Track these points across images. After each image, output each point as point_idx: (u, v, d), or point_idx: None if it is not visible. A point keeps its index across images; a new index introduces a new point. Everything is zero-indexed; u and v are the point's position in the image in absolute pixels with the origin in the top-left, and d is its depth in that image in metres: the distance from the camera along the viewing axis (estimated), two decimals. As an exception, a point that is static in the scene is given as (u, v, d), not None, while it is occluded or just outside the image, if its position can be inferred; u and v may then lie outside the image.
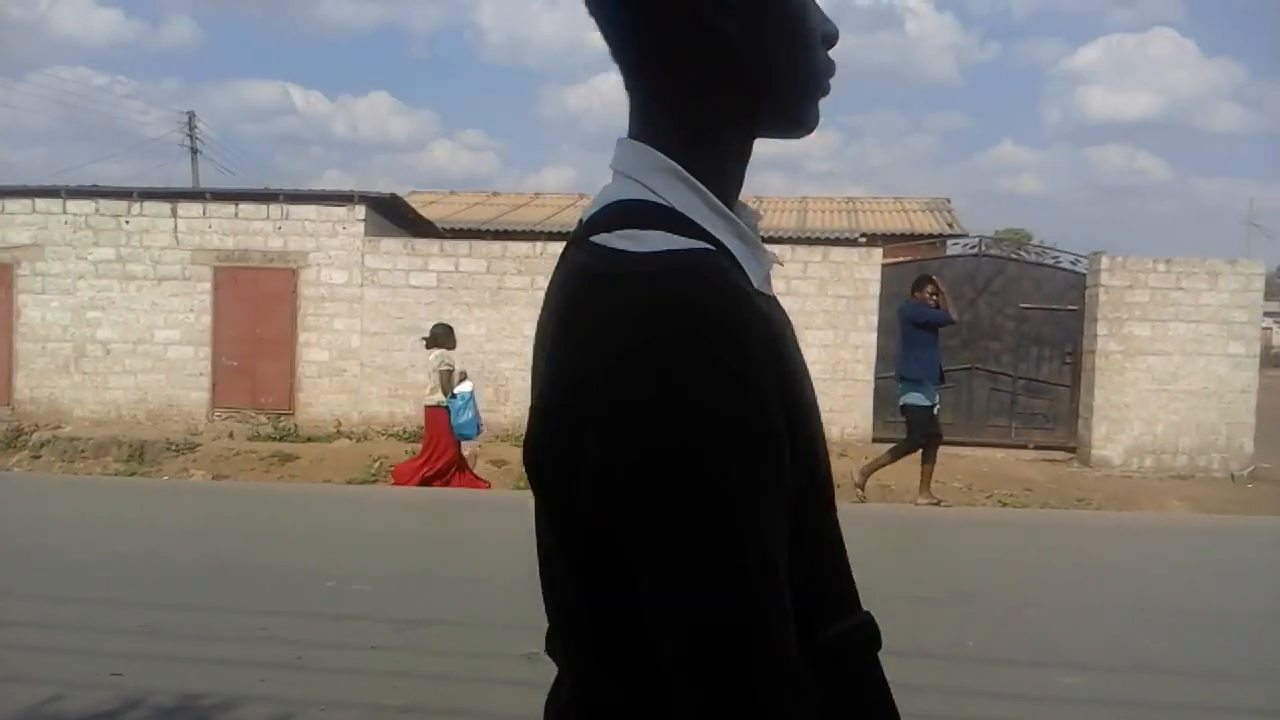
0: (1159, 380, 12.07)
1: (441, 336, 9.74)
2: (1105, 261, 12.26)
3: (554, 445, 0.88)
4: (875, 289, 12.87)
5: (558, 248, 10.87)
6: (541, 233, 18.32)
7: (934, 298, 9.45)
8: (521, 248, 13.45)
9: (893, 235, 19.17)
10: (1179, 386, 12.06)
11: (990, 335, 12.95)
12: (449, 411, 9.41)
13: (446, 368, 9.47)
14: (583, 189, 25.23)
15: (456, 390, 9.43)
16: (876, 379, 12.90)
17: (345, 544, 7.40)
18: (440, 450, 9.72)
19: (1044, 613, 5.87)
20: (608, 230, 0.90)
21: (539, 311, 1.01)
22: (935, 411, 9.44)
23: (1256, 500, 10.63)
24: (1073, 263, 13.39)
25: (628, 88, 0.97)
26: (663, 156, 0.92)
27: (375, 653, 4.74)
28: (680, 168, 0.91)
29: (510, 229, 19.21)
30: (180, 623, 5.16)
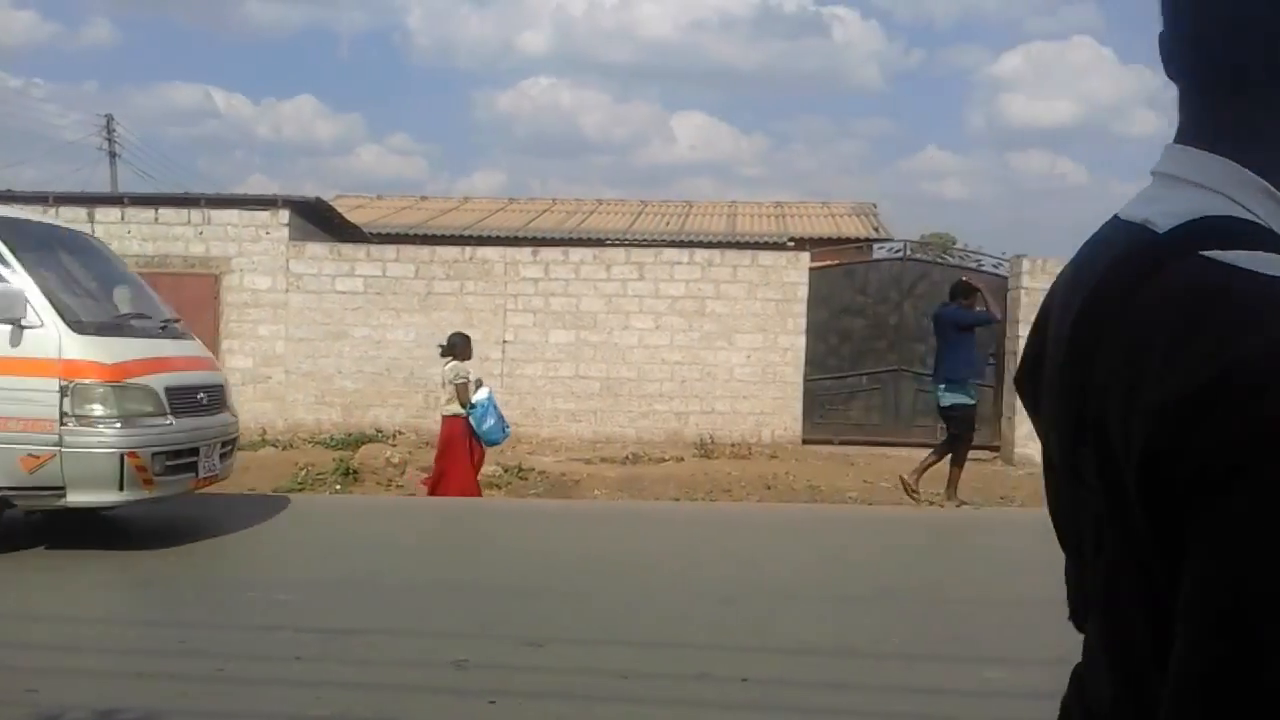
0: (1078, 380, 12.35)
1: (459, 346, 9.57)
2: (1026, 264, 12.54)
3: (1173, 443, 0.83)
4: (803, 292, 13.02)
5: (487, 252, 10.83)
6: (471, 237, 18.21)
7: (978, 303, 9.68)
8: (450, 252, 13.35)
9: (820, 239, 19.40)
10: (1097, 386, 12.35)
11: (916, 338, 13.16)
12: (469, 422, 9.33)
13: (462, 380, 9.35)
14: (513, 193, 25.16)
15: (474, 399, 9.32)
16: (805, 381, 13.04)
17: (269, 553, 7.26)
18: (449, 458, 9.51)
19: (967, 608, 5.97)
20: (1219, 246, 0.87)
21: (1060, 320, 0.99)
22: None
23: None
24: (994, 266, 13.69)
25: (1193, 90, 0.95)
26: (1251, 174, 0.91)
27: (300, 663, 4.65)
28: (1273, 188, 0.90)
29: (439, 233, 19.06)
30: (98, 636, 5.03)
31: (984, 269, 13.85)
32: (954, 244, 28.02)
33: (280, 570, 6.56)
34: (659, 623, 5.53)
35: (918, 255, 14.62)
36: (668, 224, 22.00)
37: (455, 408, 9.28)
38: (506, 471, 11.24)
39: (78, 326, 6.61)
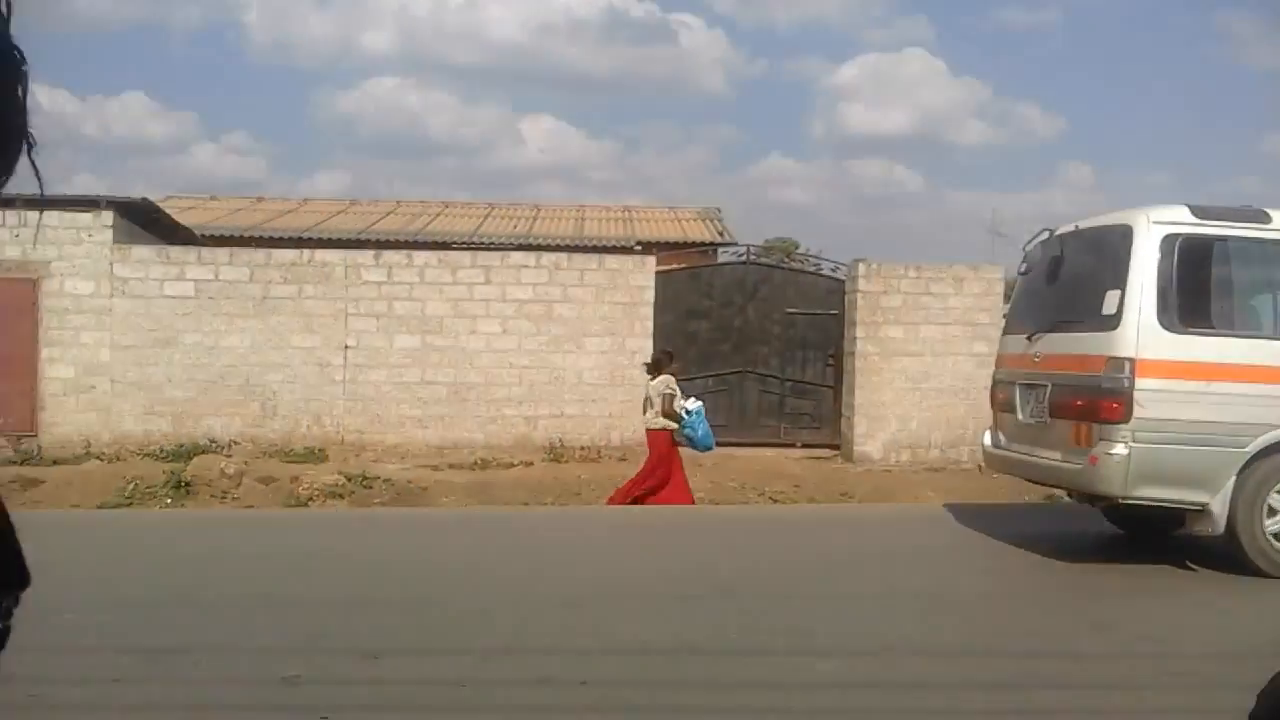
0: (912, 379, 12.83)
1: (664, 361, 10.24)
2: (862, 268, 12.94)
3: None
4: (650, 295, 13.11)
5: (327, 254, 10.64)
6: (310, 239, 17.72)
7: None
8: (288, 254, 12.93)
9: (667, 243, 19.59)
10: (930, 385, 12.85)
11: (759, 340, 13.43)
12: (674, 433, 9.90)
13: (670, 392, 9.89)
14: (358, 194, 24.65)
15: (690, 408, 9.96)
16: (652, 384, 13.11)
17: (89, 573, 6.89)
18: (654, 470, 9.97)
19: (802, 603, 6.12)
20: None
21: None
22: None
23: (1001, 487, 11.44)
24: (833, 270, 14.07)
25: None
26: None
27: (120, 685, 4.43)
28: None
29: (277, 235, 18.48)
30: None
31: (823, 273, 14.24)
32: (796, 249, 28.71)
33: (101, 589, 6.22)
34: (500, 629, 5.48)
35: (760, 259, 14.92)
36: (515, 227, 21.87)
37: (663, 421, 9.84)
38: (350, 480, 10.94)
39: None
